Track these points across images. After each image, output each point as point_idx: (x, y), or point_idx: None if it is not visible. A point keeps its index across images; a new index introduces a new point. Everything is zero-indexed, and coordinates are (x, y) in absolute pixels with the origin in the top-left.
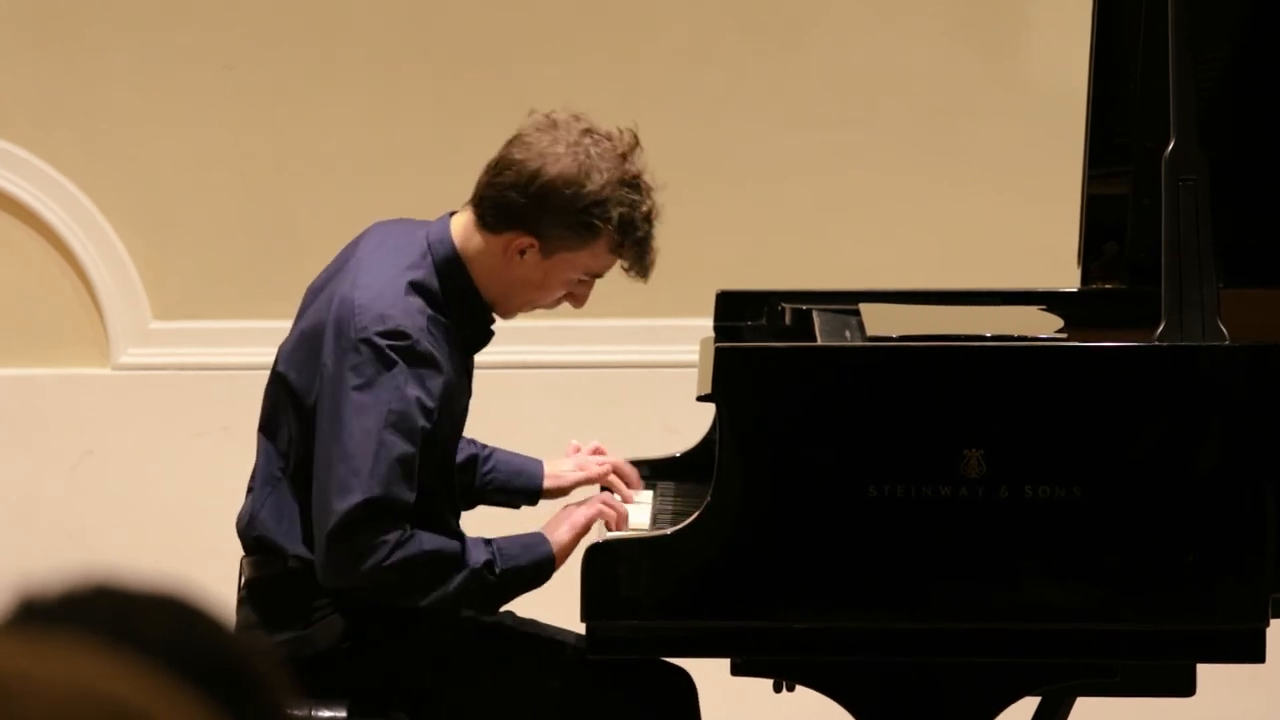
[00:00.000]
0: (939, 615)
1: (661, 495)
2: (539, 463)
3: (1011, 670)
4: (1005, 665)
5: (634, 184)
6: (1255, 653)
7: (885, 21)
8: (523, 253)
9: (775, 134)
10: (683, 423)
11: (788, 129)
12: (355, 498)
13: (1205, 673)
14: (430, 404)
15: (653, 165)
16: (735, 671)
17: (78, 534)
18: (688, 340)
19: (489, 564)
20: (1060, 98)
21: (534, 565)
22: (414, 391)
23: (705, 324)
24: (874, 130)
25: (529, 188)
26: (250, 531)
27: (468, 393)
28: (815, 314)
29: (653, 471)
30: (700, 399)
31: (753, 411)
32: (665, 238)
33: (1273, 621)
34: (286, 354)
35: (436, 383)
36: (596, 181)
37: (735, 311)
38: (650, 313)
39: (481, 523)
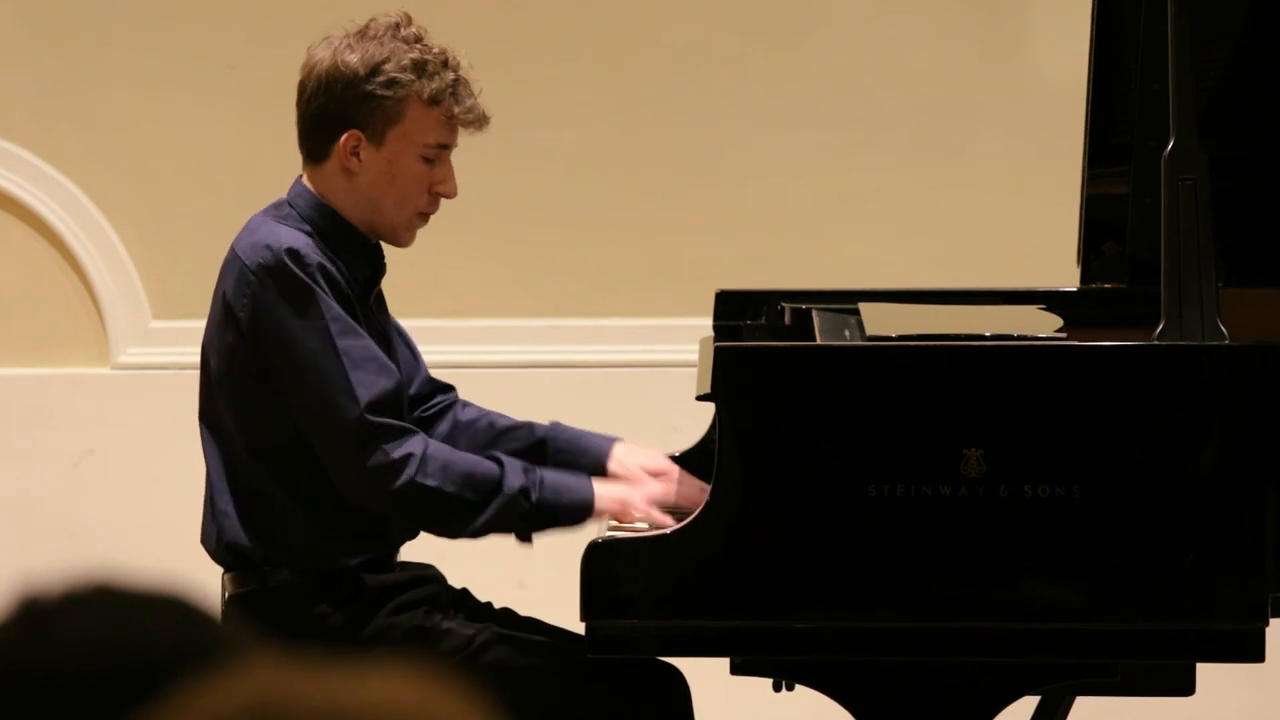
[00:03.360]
0: (939, 615)
1: None
2: (608, 443)
3: (1011, 670)
4: (1005, 665)
5: (414, 38)
6: (1255, 652)
7: (885, 21)
8: (356, 152)
9: (775, 134)
10: (683, 422)
11: (788, 129)
12: (349, 419)
13: (1205, 672)
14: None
15: (653, 165)
16: (735, 671)
17: (78, 533)
18: (688, 340)
19: (525, 491)
20: (1060, 98)
21: (571, 506)
22: (329, 298)
23: (705, 324)
24: (874, 130)
25: (319, 90)
26: (221, 547)
27: (386, 340)
28: (815, 314)
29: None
30: (700, 398)
31: (752, 411)
32: (666, 237)
33: (1273, 621)
34: (205, 341)
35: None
36: (373, 49)
37: (735, 311)
38: (650, 313)
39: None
